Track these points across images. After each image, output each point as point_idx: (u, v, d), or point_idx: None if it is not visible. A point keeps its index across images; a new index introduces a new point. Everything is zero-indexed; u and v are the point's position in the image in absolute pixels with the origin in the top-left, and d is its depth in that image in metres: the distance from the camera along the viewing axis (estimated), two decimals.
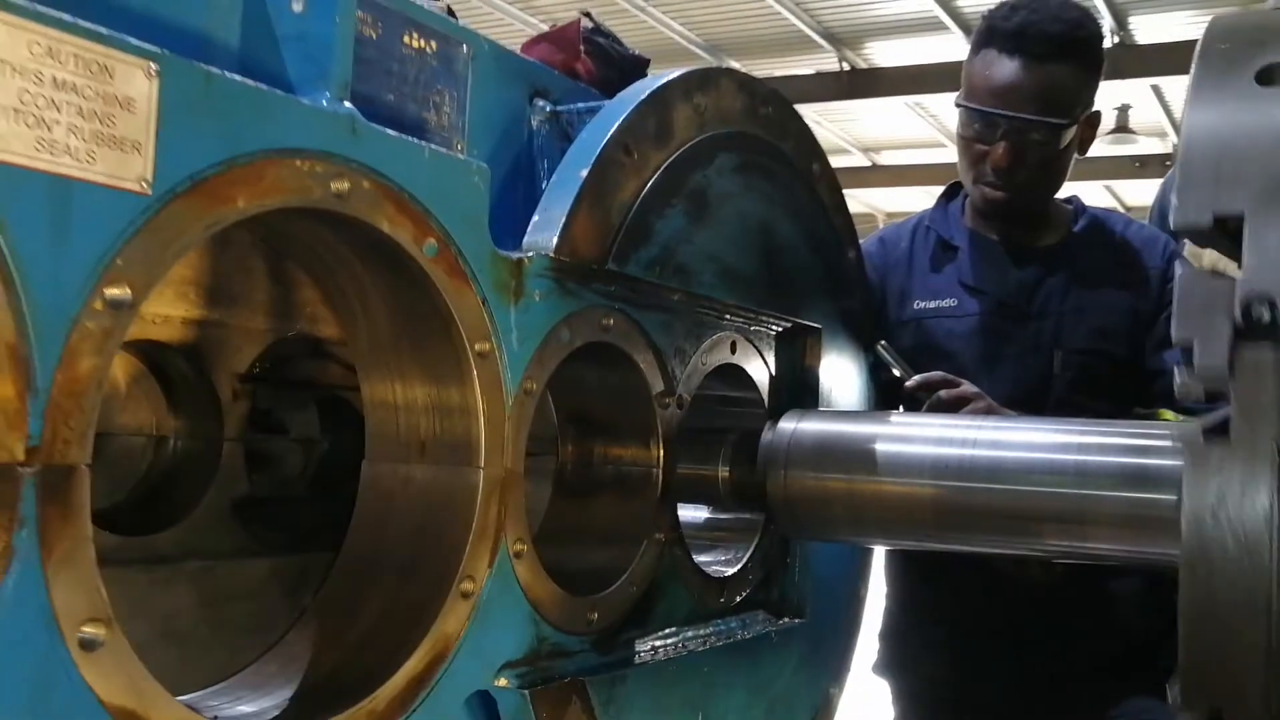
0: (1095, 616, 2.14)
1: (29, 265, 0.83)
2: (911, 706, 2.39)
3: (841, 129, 14.79)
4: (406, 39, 1.33)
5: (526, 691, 1.29)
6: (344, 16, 1.12)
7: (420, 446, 1.28)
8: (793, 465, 1.67)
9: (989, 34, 2.14)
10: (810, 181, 1.93)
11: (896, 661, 2.39)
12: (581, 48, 1.71)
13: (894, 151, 16.21)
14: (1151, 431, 1.45)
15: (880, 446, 1.63)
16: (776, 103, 1.82)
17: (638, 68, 1.79)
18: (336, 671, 1.17)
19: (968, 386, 1.98)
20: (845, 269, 2.03)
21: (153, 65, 0.91)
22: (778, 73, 11.60)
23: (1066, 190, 2.31)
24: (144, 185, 0.90)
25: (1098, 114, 2.22)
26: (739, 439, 1.72)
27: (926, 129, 14.31)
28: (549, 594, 1.36)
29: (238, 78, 0.99)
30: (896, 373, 2.04)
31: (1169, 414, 1.94)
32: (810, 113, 11.75)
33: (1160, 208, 2.43)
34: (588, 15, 1.79)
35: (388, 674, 1.15)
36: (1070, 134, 2.13)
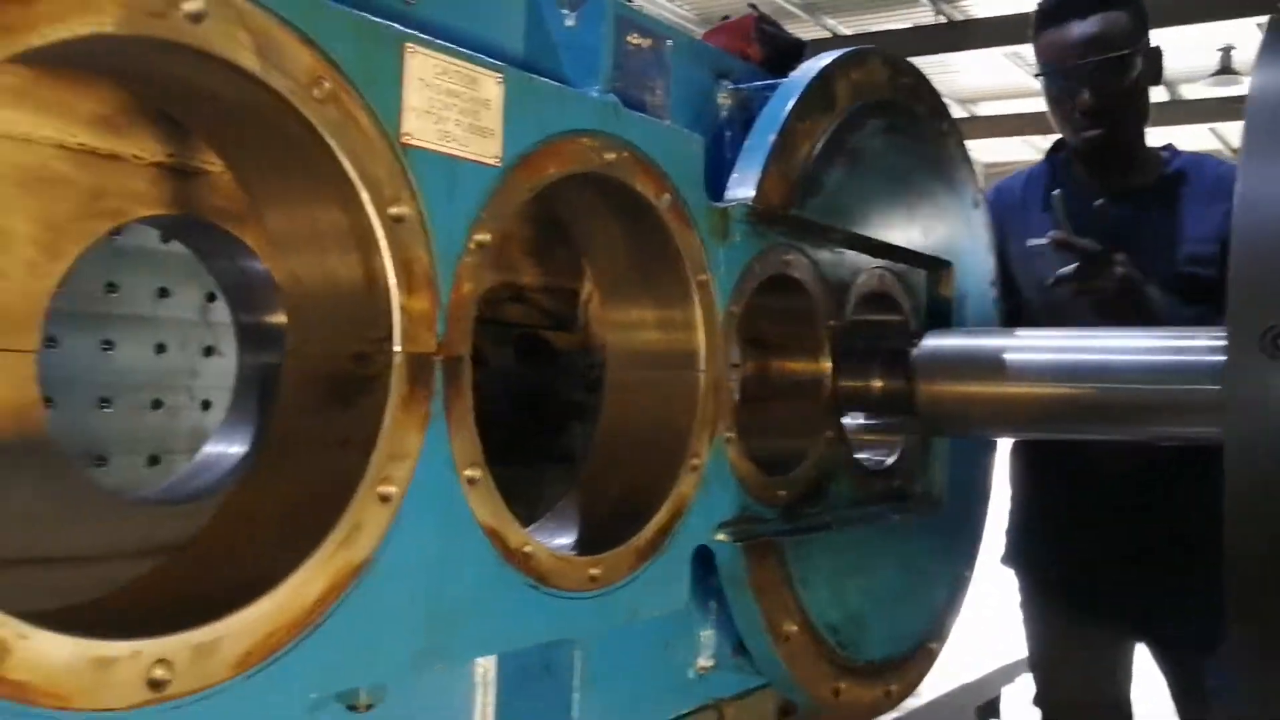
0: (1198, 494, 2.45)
1: (435, 219, 1.21)
2: (1037, 591, 2.75)
3: (939, 82, 14.85)
4: (630, 39, 1.68)
5: (739, 544, 1.67)
6: (607, 26, 1.48)
7: (650, 356, 1.65)
8: (935, 375, 2.01)
9: (1042, 18, 2.53)
10: (941, 137, 2.25)
11: (1022, 552, 2.74)
12: (754, 36, 2.05)
13: (992, 102, 16.20)
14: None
15: (1007, 356, 1.97)
16: (912, 73, 2.15)
17: (796, 50, 2.13)
18: (606, 522, 1.55)
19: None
20: (971, 211, 2.36)
21: (500, 75, 1.29)
22: (874, 28, 11.72)
23: (1174, 136, 2.61)
24: (497, 160, 1.28)
25: (1157, 49, 2.54)
26: (888, 356, 2.06)
27: (1024, 78, 14.29)
28: (750, 472, 1.73)
29: (547, 80, 1.36)
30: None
31: None
32: None
33: None
34: (753, 7, 2.13)
35: (641, 525, 1.53)
36: (1136, 65, 2.45)
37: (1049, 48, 2.51)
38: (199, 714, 0.97)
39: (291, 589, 1.05)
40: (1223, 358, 1.47)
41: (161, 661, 0.94)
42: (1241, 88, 12.90)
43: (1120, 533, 2.52)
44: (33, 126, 1.30)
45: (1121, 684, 2.72)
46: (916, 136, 2.16)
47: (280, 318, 1.61)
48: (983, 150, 18.44)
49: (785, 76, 1.98)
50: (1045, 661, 2.79)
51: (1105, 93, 2.44)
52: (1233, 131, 15.63)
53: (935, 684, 3.50)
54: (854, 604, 1.95)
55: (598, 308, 1.89)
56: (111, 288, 1.59)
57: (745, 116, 1.90)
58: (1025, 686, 3.41)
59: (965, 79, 14.82)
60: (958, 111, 16.37)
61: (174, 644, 0.95)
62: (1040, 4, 2.55)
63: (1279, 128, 1.49)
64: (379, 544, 1.13)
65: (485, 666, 1.43)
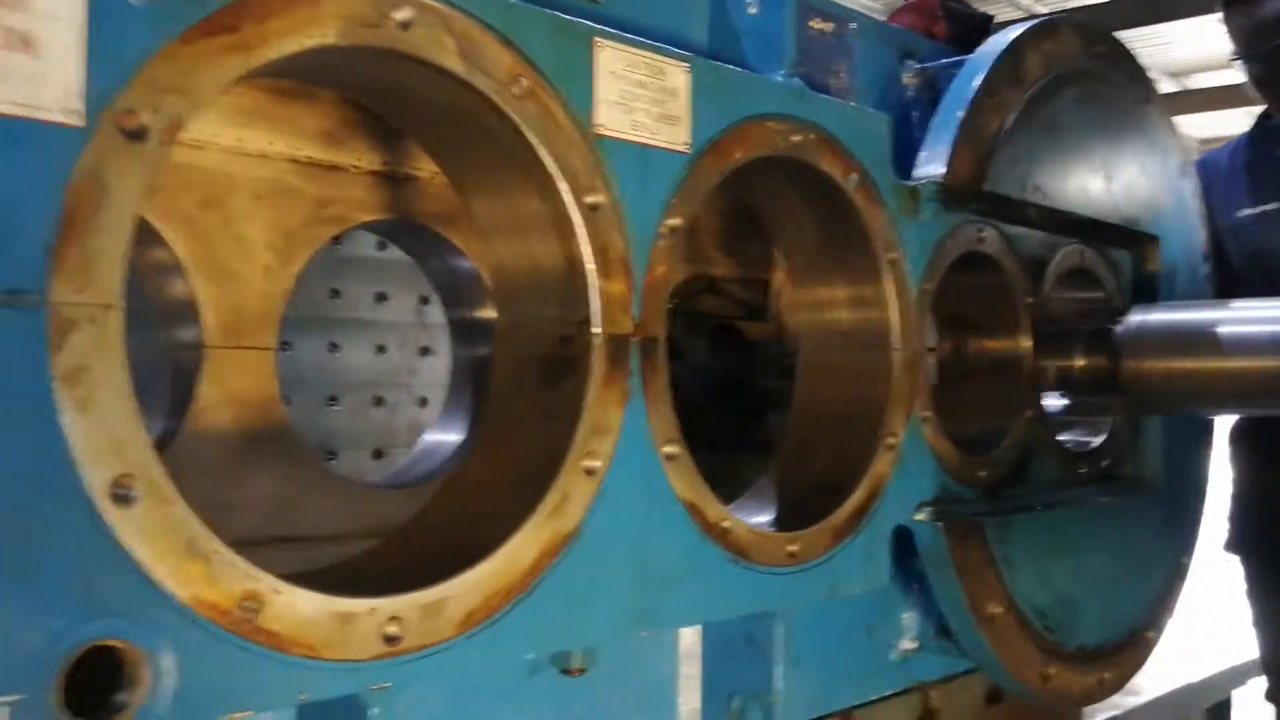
0: None
1: (629, 206, 1.26)
2: (1266, 577, 2.60)
3: (1148, 54, 14.17)
4: (813, 23, 1.70)
5: (940, 524, 1.66)
6: (789, 12, 1.51)
7: (843, 335, 1.67)
8: (1142, 351, 1.94)
9: (1224, 4, 2.39)
10: (1141, 105, 2.18)
11: (1249, 538, 2.61)
12: (939, 13, 2.04)
13: (1205, 74, 15.41)
14: None
15: (1220, 329, 1.89)
16: (1108, 42, 2.09)
17: (983, 25, 2.10)
18: (803, 501, 1.57)
19: None
20: (1179, 180, 2.26)
21: (686, 65, 1.33)
22: (1073, 2, 11.27)
23: None
24: (686, 147, 1.33)
25: None
26: (1091, 333, 2.00)
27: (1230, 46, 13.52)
28: (948, 452, 1.72)
29: (732, 68, 1.40)
30: None
31: None
32: None
33: None
34: None
35: (838, 504, 1.54)
36: None
37: (1242, 30, 2.41)
38: (428, 669, 1.05)
39: (507, 555, 1.12)
40: None
41: (394, 619, 1.02)
42: None
43: None
44: (267, 143, 1.43)
45: None
46: (1115, 106, 2.09)
47: (489, 312, 1.70)
48: (1197, 125, 17.47)
49: (973, 52, 1.96)
50: (1278, 652, 2.63)
51: None
52: None
53: (1159, 682, 3.37)
54: (1062, 588, 1.90)
55: (789, 297, 1.91)
56: (335, 294, 1.72)
57: (932, 95, 1.90)
58: (1257, 689, 3.25)
59: (1176, 50, 14.09)
60: (1169, 85, 15.56)
61: (405, 603, 1.03)
62: None
63: None
64: (585, 514, 1.19)
65: (691, 639, 1.47)
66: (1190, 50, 14.12)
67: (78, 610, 0.84)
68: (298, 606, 0.96)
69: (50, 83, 0.83)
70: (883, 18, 2.16)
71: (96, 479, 0.85)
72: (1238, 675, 4.55)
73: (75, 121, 0.85)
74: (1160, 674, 3.11)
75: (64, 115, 0.84)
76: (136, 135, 0.88)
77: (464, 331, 1.79)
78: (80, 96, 0.85)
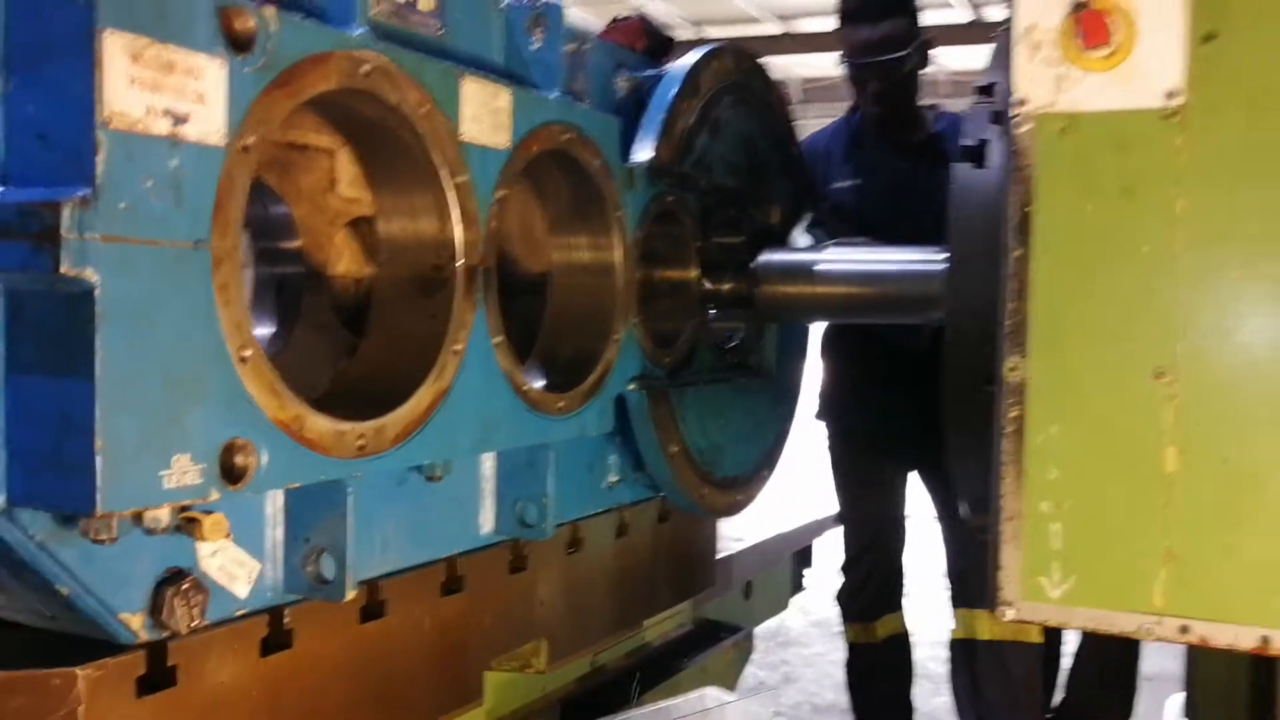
0: None
1: (478, 184, 1.97)
2: (842, 439, 3.73)
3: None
4: (568, 46, 2.44)
5: (643, 392, 2.51)
6: (561, 45, 2.25)
7: (584, 267, 2.46)
8: (768, 280, 2.89)
9: (841, 17, 3.42)
10: (771, 106, 3.10)
11: (831, 408, 3.72)
12: (641, 33, 2.84)
13: (811, 19, 17.07)
14: None
15: (818, 267, 2.86)
16: (752, 60, 2.98)
17: (670, 42, 2.93)
18: (563, 373, 2.36)
19: None
20: (794, 160, 3.23)
21: (509, 90, 2.05)
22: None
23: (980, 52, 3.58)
24: (508, 145, 2.05)
25: (925, 42, 3.47)
26: (736, 266, 2.92)
27: None
28: (648, 345, 2.57)
29: (531, 90, 2.13)
30: None
31: None
32: None
33: None
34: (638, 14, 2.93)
35: (585, 377, 2.34)
36: (912, 59, 3.38)
37: (846, 43, 3.40)
38: (377, 464, 1.76)
39: (414, 401, 1.84)
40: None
41: (362, 435, 1.72)
42: None
43: (900, 391, 3.50)
44: None
45: (900, 501, 3.74)
46: (754, 106, 3.00)
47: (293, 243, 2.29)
48: (801, 65, 19.42)
49: (662, 65, 2.79)
50: (848, 487, 3.79)
51: (888, 82, 3.35)
52: None
53: (760, 532, 4.38)
54: (714, 437, 2.83)
55: (547, 242, 2.64)
56: None
57: (637, 97, 2.70)
58: (831, 539, 4.38)
59: None
60: (776, 27, 17.22)
61: (367, 426, 1.73)
62: (840, 4, 3.43)
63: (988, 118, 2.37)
64: (454, 379, 1.92)
65: (491, 461, 2.22)
66: None
67: (225, 420, 1.49)
68: (320, 425, 1.64)
69: (213, 122, 1.45)
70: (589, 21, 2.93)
71: (232, 346, 1.49)
72: (819, 527, 5.81)
73: (222, 144, 1.47)
74: (762, 526, 4.15)
75: (220, 140, 1.47)
76: (246, 150, 1.51)
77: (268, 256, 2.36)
78: (224, 129, 1.47)
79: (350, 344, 2.09)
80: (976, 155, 2.16)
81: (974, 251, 2.18)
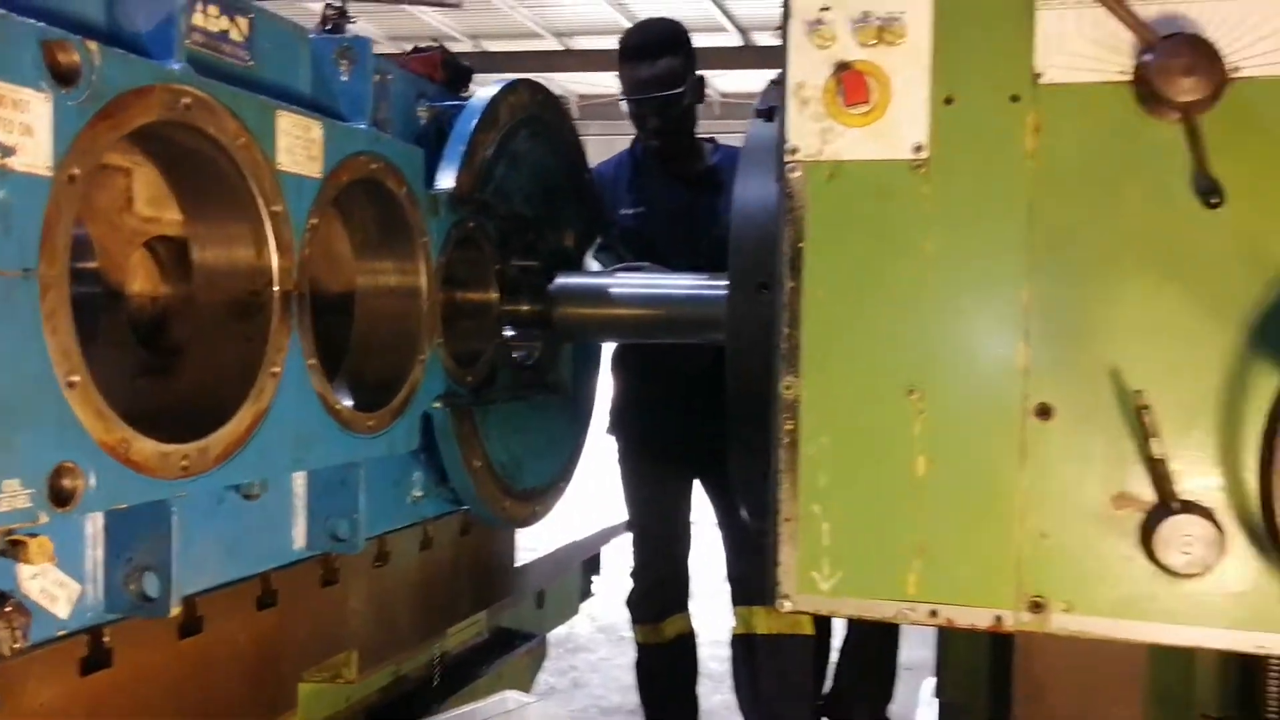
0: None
1: (292, 212, 2.05)
2: (631, 452, 3.94)
3: (536, 14, 15.73)
4: (375, 77, 2.54)
5: (448, 410, 2.63)
6: (370, 77, 2.35)
7: (390, 289, 2.56)
8: (564, 302, 3.05)
9: (621, 55, 3.66)
10: (564, 137, 3.28)
11: (620, 423, 3.92)
12: (440, 64, 2.96)
13: (588, 37, 17.34)
14: None
15: (610, 290, 3.05)
16: (546, 94, 3.15)
17: (468, 73, 3.06)
18: (371, 394, 2.44)
19: None
20: (585, 187, 3.42)
21: (320, 122, 2.14)
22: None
23: (750, 78, 3.87)
24: (319, 174, 2.14)
25: (701, 78, 3.75)
26: (533, 289, 3.07)
27: (616, 15, 15.47)
28: (451, 365, 2.69)
29: (344, 123, 2.22)
30: None
31: None
32: None
33: None
34: (437, 42, 3.04)
35: (394, 396, 2.44)
36: (687, 96, 3.64)
37: (627, 78, 3.63)
38: (201, 484, 1.82)
39: (235, 422, 1.90)
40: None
41: (185, 456, 1.78)
42: None
43: (687, 405, 3.73)
44: None
45: (685, 509, 3.99)
46: (548, 137, 3.16)
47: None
48: (579, 83, 19.70)
49: (460, 94, 2.92)
50: (636, 496, 4.00)
51: (665, 117, 3.60)
52: None
53: (552, 541, 4.53)
54: (515, 451, 2.97)
55: (354, 266, 2.72)
56: None
57: (438, 127, 2.82)
58: (619, 546, 4.58)
59: (561, 12, 15.76)
60: (554, 44, 17.44)
61: (191, 448, 1.79)
62: (620, 43, 3.66)
63: (763, 159, 2.61)
64: (272, 400, 2.00)
65: (303, 479, 2.29)
66: (577, 12, 15.92)
67: (54, 445, 1.53)
68: (145, 447, 1.69)
69: (40, 153, 1.50)
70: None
71: (60, 372, 1.54)
72: (608, 535, 5.99)
73: (49, 175, 1.52)
74: (554, 536, 4.31)
75: (46, 171, 1.51)
76: (72, 180, 1.56)
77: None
78: (50, 160, 1.52)
79: (147, 362, 2.13)
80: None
81: (751, 280, 2.40)
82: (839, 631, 4.26)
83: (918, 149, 1.87)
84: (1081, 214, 1.79)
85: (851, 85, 1.89)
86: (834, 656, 4.30)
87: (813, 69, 1.92)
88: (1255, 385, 1.70)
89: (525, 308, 3.05)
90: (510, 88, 2.93)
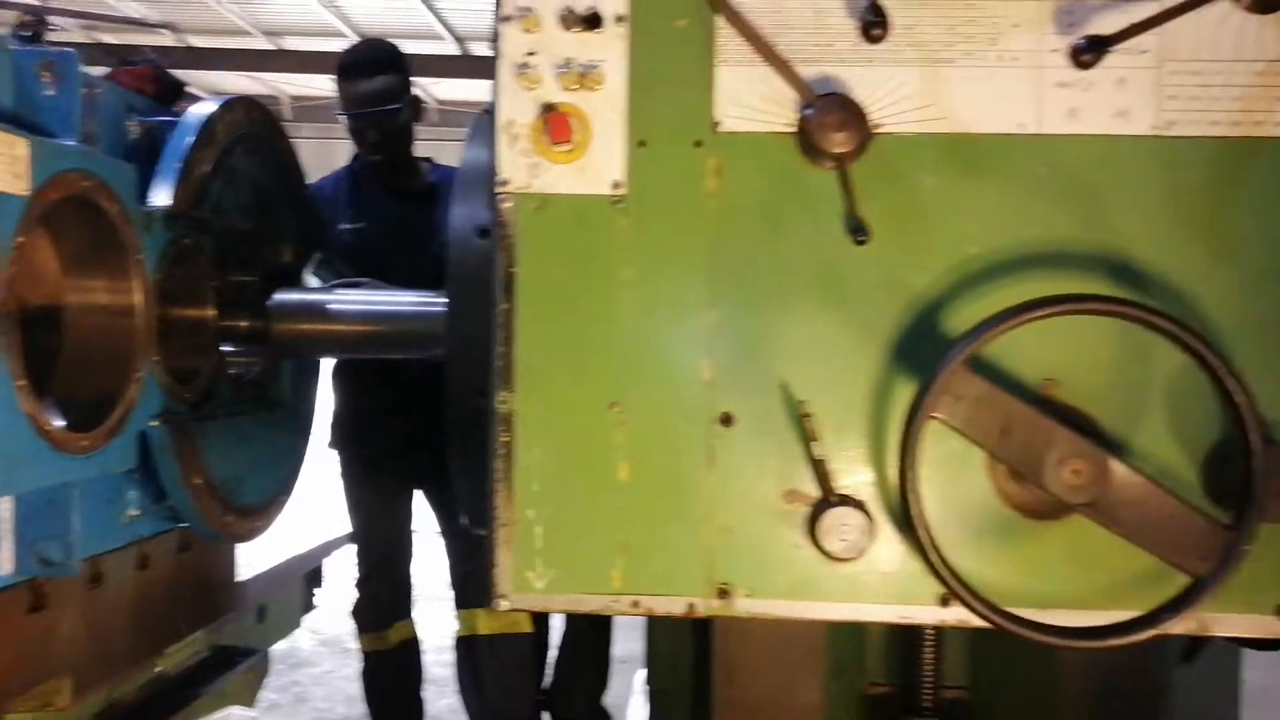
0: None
1: None
2: (353, 464, 3.99)
3: (245, 11, 15.20)
4: (83, 91, 2.50)
5: (165, 428, 2.62)
6: (77, 91, 2.33)
7: (103, 307, 2.53)
8: (283, 318, 3.09)
9: (340, 71, 3.76)
10: (281, 154, 3.31)
11: (342, 436, 3.96)
12: (151, 78, 2.93)
13: (300, 38, 16.88)
14: None
15: (328, 307, 3.12)
16: (263, 111, 3.17)
17: (179, 87, 3.04)
18: (85, 413, 2.41)
19: None
20: (303, 203, 3.45)
21: (26, 140, 2.11)
22: None
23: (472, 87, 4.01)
24: (27, 192, 2.11)
25: (418, 97, 3.89)
26: (252, 305, 3.08)
27: (329, 17, 15.17)
28: (169, 383, 2.68)
29: (53, 140, 2.19)
30: None
31: None
32: None
33: None
34: (150, 54, 3.01)
35: (108, 415, 2.42)
36: (405, 112, 3.76)
37: (345, 95, 3.71)
38: None
39: None
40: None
41: None
42: None
43: (406, 418, 3.83)
44: None
45: (407, 518, 4.08)
46: (266, 153, 3.19)
47: None
48: (291, 84, 19.11)
49: (172, 109, 2.91)
50: (359, 507, 4.05)
51: (384, 132, 3.70)
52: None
53: (273, 555, 4.49)
54: (235, 467, 2.98)
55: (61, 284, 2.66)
56: None
57: (150, 141, 2.80)
58: (340, 559, 4.59)
59: (272, 11, 15.31)
60: (265, 43, 16.85)
61: None
62: (339, 61, 3.73)
63: (476, 184, 2.75)
64: None
65: (9, 503, 2.24)
66: (288, 12, 15.47)
67: None
68: None
69: None
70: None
71: None
72: (329, 547, 5.96)
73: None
74: (276, 550, 4.28)
75: None
76: None
77: None
78: None
79: None
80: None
81: (469, 300, 2.54)
82: (558, 628, 4.46)
83: (616, 185, 2.07)
84: (756, 248, 2.04)
85: (555, 126, 2.07)
86: (554, 654, 4.50)
87: (521, 108, 2.09)
88: (897, 395, 2.00)
89: (244, 323, 3.06)
90: (227, 106, 2.94)
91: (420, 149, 4.09)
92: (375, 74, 3.70)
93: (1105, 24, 1.95)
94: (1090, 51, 1.86)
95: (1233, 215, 1.97)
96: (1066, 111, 1.99)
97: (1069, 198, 1.99)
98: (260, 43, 16.57)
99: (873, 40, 1.91)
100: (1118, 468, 1.87)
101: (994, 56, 2.00)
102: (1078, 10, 1.98)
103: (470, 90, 16.20)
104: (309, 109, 18.75)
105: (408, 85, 3.79)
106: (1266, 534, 1.85)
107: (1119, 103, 1.99)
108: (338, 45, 16.87)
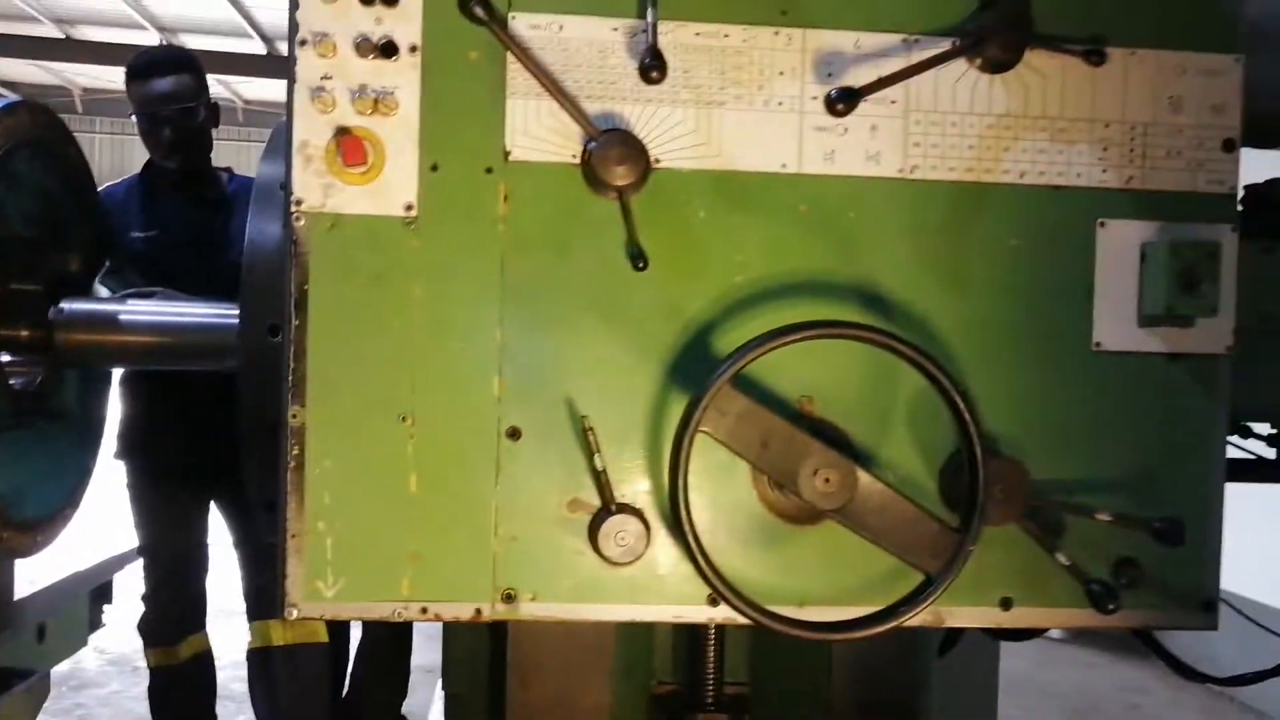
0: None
1: None
2: (142, 475, 3.91)
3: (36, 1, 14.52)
4: None
5: None
6: None
7: None
8: (69, 329, 3.02)
9: (131, 72, 3.72)
10: (68, 159, 3.23)
11: (130, 447, 3.87)
12: None
13: (94, 28, 16.19)
14: None
15: (120, 317, 3.07)
16: (48, 115, 3.10)
17: None
18: None
19: None
20: (92, 210, 3.38)
21: None
22: None
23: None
24: None
25: (216, 103, 3.87)
26: (34, 315, 3.01)
27: (121, 7, 14.59)
28: None
29: None
30: None
31: None
32: None
33: None
34: None
35: None
36: (202, 113, 3.74)
37: (138, 96, 3.65)
38: None
39: None
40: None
41: None
42: None
43: (200, 428, 3.78)
44: None
45: (201, 529, 4.02)
46: (52, 159, 3.12)
47: None
48: (83, 75, 18.25)
49: None
50: (149, 519, 3.97)
51: (178, 133, 3.65)
52: None
53: (54, 571, 4.33)
54: (15, 480, 2.90)
55: None
56: None
57: None
58: (133, 574, 4.47)
59: None
60: (53, 31, 16.05)
61: None
62: (130, 63, 3.68)
63: (272, 198, 2.77)
64: None
65: None
66: (76, 3, 14.79)
67: None
68: None
69: None
70: None
71: None
72: (119, 562, 5.76)
73: None
74: (60, 565, 4.14)
75: None
76: None
77: None
78: None
79: None
80: None
81: (262, 313, 2.58)
82: (356, 637, 4.47)
83: (409, 208, 2.16)
84: (543, 271, 2.16)
85: (350, 148, 2.13)
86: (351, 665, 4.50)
87: (315, 130, 2.15)
88: (670, 411, 2.16)
89: (24, 333, 2.98)
90: (8, 109, 2.87)
91: (226, 149, 4.06)
92: (169, 73, 3.65)
93: (859, 76, 2.16)
94: (843, 101, 2.05)
95: (966, 252, 2.22)
96: (824, 153, 2.19)
97: (826, 232, 2.19)
98: (50, 30, 15.83)
99: (651, 83, 2.06)
100: (864, 477, 2.07)
101: (761, 101, 2.18)
102: (835, 62, 2.19)
103: (277, 90, 15.82)
104: (101, 101, 17.93)
105: (204, 87, 3.76)
106: (989, 536, 2.10)
107: (871, 147, 2.20)
108: (135, 38, 16.28)
